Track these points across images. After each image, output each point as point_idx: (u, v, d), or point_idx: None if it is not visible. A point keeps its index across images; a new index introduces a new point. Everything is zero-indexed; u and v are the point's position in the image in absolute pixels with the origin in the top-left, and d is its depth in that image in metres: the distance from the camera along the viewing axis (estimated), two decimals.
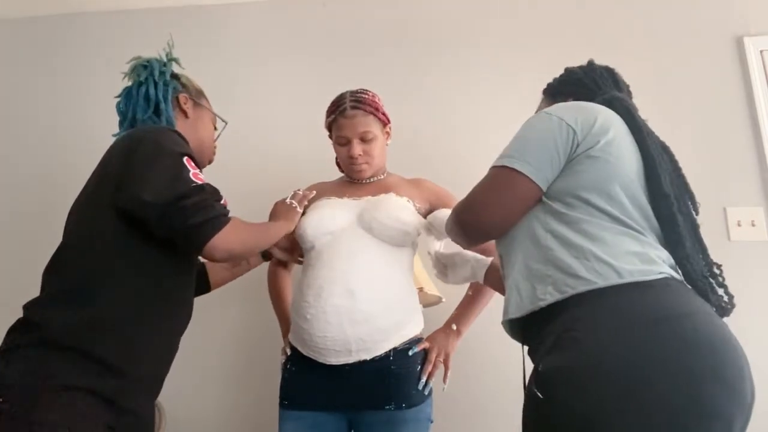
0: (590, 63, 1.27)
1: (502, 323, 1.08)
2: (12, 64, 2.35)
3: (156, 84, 1.31)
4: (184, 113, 1.35)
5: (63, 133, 2.22)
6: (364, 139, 1.50)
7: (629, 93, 1.25)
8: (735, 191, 1.89)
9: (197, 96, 1.41)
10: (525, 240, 1.05)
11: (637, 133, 1.07)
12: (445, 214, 1.38)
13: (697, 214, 1.09)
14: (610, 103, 1.12)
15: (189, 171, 1.12)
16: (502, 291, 1.39)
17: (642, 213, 1.02)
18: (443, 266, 1.46)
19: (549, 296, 0.95)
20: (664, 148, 1.12)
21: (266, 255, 1.55)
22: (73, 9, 2.33)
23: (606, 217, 0.99)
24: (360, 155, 1.50)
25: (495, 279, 1.34)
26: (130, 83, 1.35)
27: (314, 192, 1.51)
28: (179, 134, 1.21)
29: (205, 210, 1.09)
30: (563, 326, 0.91)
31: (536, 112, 1.34)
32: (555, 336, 0.91)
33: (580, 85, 1.23)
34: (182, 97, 1.35)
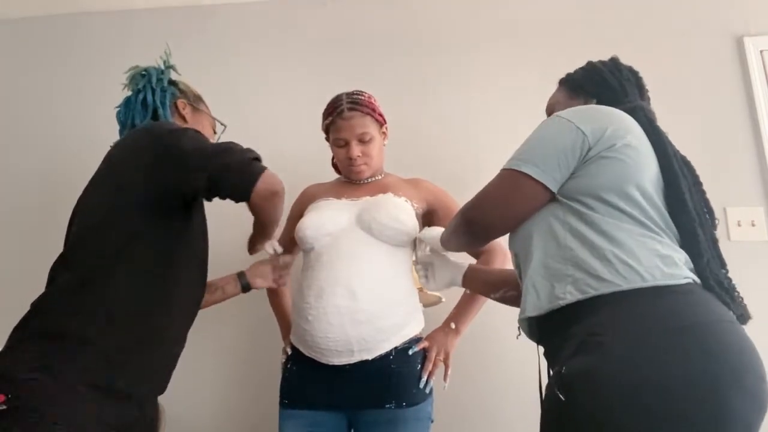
0: (615, 61, 1.26)
1: (519, 321, 1.08)
2: (12, 64, 2.35)
3: (153, 91, 1.34)
4: (183, 118, 1.37)
5: (63, 132, 2.22)
6: (362, 140, 1.51)
7: (648, 96, 1.25)
8: (735, 191, 1.89)
9: (196, 101, 1.43)
10: (543, 238, 1.04)
11: (659, 146, 1.07)
12: (437, 232, 1.37)
13: (715, 229, 1.09)
14: (633, 112, 1.12)
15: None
16: (484, 294, 1.40)
17: (660, 215, 1.01)
18: (425, 269, 1.46)
19: (569, 295, 0.95)
20: (686, 163, 1.12)
21: (246, 287, 1.50)
22: (73, 9, 2.33)
23: (625, 217, 0.99)
24: (359, 156, 1.51)
25: (474, 283, 1.34)
26: (129, 93, 1.38)
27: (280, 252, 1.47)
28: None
29: (251, 151, 1.17)
30: (587, 329, 0.91)
31: (550, 101, 1.34)
32: (579, 339, 0.91)
33: (606, 86, 1.22)
34: (180, 102, 1.38)
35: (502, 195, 1.08)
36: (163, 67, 1.41)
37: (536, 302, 1.01)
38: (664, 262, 0.94)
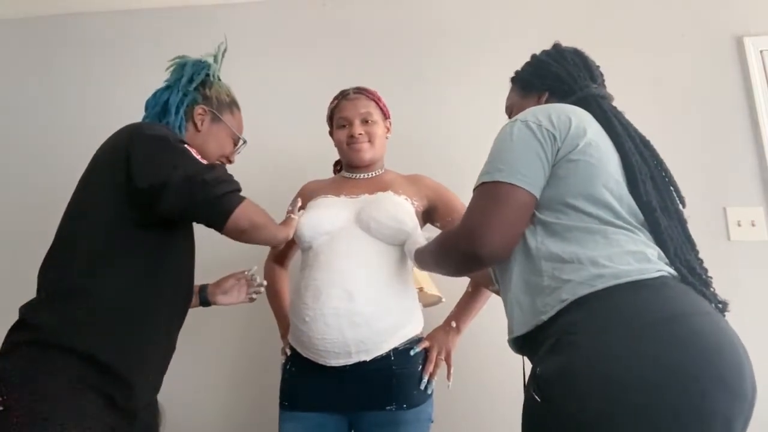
0: (558, 49, 1.23)
1: (508, 341, 1.05)
2: (11, 64, 2.35)
3: (178, 92, 1.31)
4: (195, 125, 1.33)
5: (61, 133, 2.22)
6: (365, 121, 1.53)
7: (601, 75, 1.22)
8: (735, 191, 1.89)
9: (220, 109, 1.37)
10: (518, 253, 1.01)
11: (614, 136, 1.05)
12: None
13: (684, 206, 1.07)
14: (585, 102, 1.10)
15: (194, 155, 1.18)
16: (483, 284, 1.42)
17: (631, 211, 1.00)
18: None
19: (549, 308, 0.93)
20: (645, 143, 1.09)
21: (205, 301, 1.47)
22: (72, 9, 2.34)
23: (596, 220, 0.97)
24: (361, 134, 1.51)
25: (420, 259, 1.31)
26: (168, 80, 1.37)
27: (299, 201, 1.49)
28: (168, 128, 1.25)
29: (227, 184, 1.15)
30: (562, 329, 0.90)
31: (506, 102, 1.33)
32: (554, 339, 0.90)
33: (554, 78, 1.19)
34: (199, 108, 1.33)
35: (495, 215, 0.98)
36: (209, 61, 1.38)
37: (522, 319, 0.98)
38: (636, 258, 0.92)
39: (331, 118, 1.59)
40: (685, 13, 2.05)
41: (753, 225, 1.86)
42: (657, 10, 2.07)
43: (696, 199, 1.83)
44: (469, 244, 0.99)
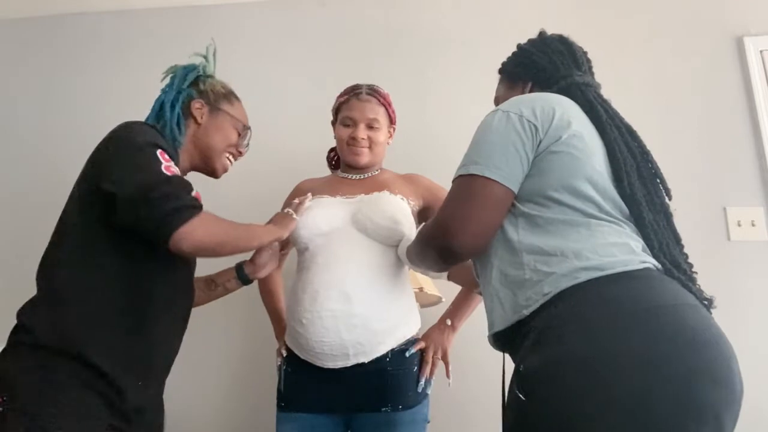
0: (542, 37, 1.21)
1: (488, 338, 1.03)
2: (10, 64, 2.35)
3: (172, 91, 1.32)
4: (196, 120, 1.33)
5: (61, 133, 2.22)
6: (370, 126, 1.52)
7: (587, 61, 1.20)
8: (735, 191, 1.89)
9: (217, 101, 1.37)
10: (498, 246, 1.00)
11: (599, 126, 1.03)
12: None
13: (670, 198, 1.05)
14: (569, 91, 1.08)
15: (160, 163, 1.10)
16: (471, 287, 1.41)
17: (614, 204, 0.98)
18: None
19: (531, 302, 0.91)
20: (631, 133, 1.07)
21: (246, 280, 1.45)
22: (72, 9, 2.34)
23: (579, 213, 0.95)
24: (363, 139, 1.51)
25: (460, 274, 1.33)
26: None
27: (310, 196, 1.45)
28: (153, 127, 1.21)
29: (173, 200, 1.06)
30: (544, 323, 0.88)
31: (495, 94, 1.31)
32: (536, 333, 0.87)
33: (537, 67, 1.17)
34: (196, 102, 1.33)
35: (470, 208, 0.97)
36: (197, 64, 1.38)
37: (502, 314, 0.96)
38: (620, 250, 0.91)
39: (337, 112, 1.58)
40: (685, 13, 2.05)
41: (753, 225, 1.85)
42: (657, 10, 2.07)
43: (696, 199, 1.86)
44: (444, 237, 0.98)
